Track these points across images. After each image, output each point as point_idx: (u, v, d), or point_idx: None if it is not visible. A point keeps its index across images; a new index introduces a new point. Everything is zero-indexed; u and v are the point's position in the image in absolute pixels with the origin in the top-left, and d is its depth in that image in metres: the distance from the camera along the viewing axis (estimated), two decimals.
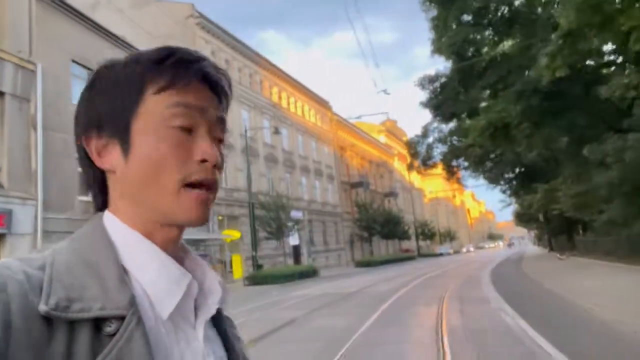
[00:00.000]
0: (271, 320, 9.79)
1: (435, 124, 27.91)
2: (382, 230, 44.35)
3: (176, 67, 0.60)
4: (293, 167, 37.90)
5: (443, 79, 18.35)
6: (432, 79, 18.54)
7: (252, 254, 24.87)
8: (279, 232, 27.01)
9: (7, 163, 14.15)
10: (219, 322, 0.68)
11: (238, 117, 30.87)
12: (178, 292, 0.58)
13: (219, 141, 0.64)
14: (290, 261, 33.19)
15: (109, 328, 0.50)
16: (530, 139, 19.18)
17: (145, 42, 26.63)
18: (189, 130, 0.60)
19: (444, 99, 18.90)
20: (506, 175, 31.98)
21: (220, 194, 27.97)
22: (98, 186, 0.63)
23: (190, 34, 28.30)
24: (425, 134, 29.42)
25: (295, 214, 34.89)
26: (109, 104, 0.60)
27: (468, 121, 20.66)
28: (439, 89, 18.66)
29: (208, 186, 0.60)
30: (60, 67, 16.68)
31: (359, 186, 48.69)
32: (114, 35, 20.89)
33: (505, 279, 17.78)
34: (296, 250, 34.72)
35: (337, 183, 46.03)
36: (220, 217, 27.63)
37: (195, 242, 21.13)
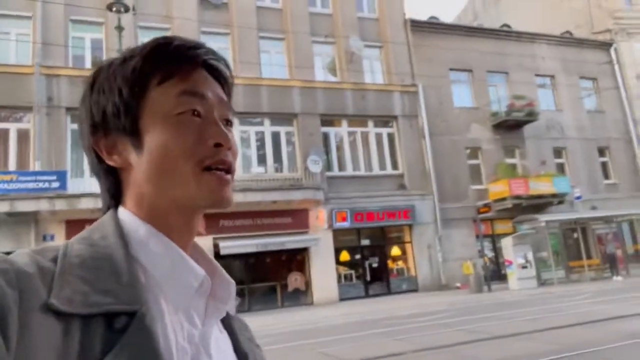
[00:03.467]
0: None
1: None
2: None
3: (175, 55, 0.61)
4: None
5: None
6: None
7: None
8: None
9: (407, 169, 18.39)
10: (230, 326, 0.67)
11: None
12: (190, 289, 0.58)
13: (226, 122, 0.64)
14: None
15: (120, 323, 0.50)
16: None
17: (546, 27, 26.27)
18: (198, 116, 0.61)
19: None
20: None
21: None
22: (110, 184, 0.63)
23: None
24: None
25: None
26: (112, 102, 0.60)
27: None
28: None
29: (227, 170, 0.61)
30: (439, 79, 19.60)
31: None
32: (491, 30, 22.27)
33: None
34: None
35: None
36: None
37: (595, 220, 19.40)
